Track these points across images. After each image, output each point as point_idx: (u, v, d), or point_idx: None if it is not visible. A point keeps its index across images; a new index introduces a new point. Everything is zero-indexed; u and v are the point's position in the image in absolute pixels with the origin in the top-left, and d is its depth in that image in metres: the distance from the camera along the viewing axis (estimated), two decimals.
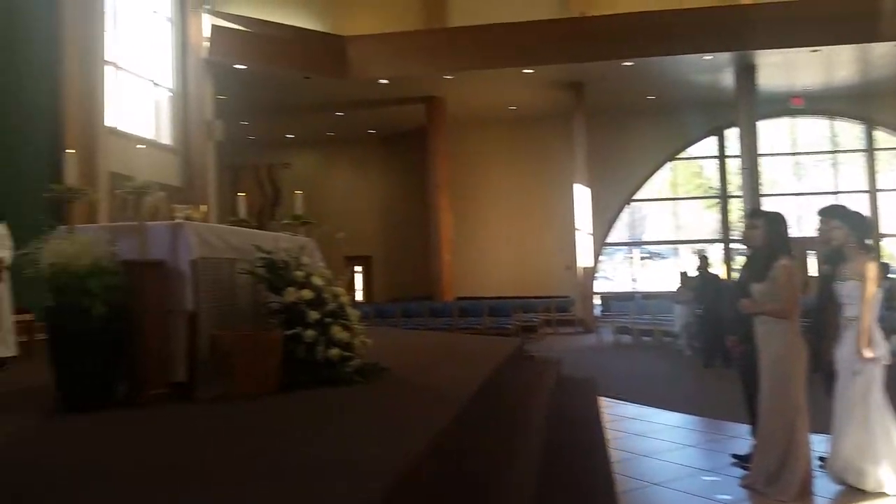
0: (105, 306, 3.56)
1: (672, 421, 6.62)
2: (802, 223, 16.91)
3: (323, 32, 15.86)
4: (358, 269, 21.05)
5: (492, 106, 18.26)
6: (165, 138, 12.88)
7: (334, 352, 4.42)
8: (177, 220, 4.08)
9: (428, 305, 16.29)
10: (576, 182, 17.40)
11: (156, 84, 12.67)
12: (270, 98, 16.22)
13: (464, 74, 15.76)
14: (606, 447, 5.05)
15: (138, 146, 11.69)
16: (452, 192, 17.87)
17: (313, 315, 4.42)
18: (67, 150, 3.82)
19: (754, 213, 5.15)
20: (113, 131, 10.95)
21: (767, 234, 4.40)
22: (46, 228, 3.65)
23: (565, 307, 17.61)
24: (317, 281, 4.60)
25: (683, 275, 12.44)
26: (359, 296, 20.40)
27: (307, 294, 4.46)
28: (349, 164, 21.72)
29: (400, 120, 18.84)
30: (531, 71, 15.53)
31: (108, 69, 10.93)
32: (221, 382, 4.05)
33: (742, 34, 14.40)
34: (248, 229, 4.91)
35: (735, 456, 4.89)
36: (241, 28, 13.98)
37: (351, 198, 20.93)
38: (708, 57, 15.03)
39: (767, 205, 15.93)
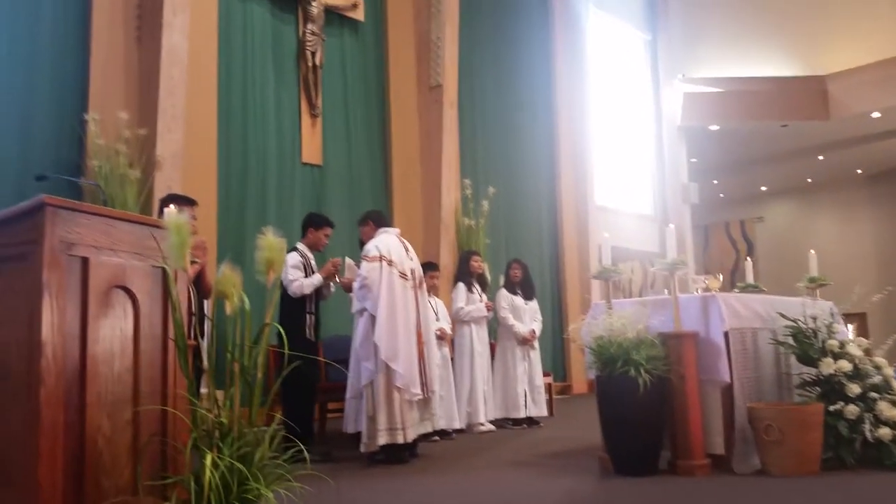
0: (648, 376, 3.83)
1: None
2: None
3: (801, 77, 14.93)
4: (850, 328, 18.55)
5: None
6: (643, 206, 13.52)
7: (883, 431, 3.98)
8: (706, 293, 4.20)
9: None
10: None
11: (634, 157, 13.48)
12: (743, 153, 15.81)
13: None
14: None
15: (621, 217, 12.51)
16: None
17: (853, 388, 4.08)
18: (604, 234, 4.29)
19: None
20: (601, 208, 11.94)
21: None
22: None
23: None
24: (853, 350, 4.24)
25: None
26: None
27: (844, 365, 4.14)
28: (832, 210, 19.61)
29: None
30: None
31: (595, 149, 11.99)
32: (760, 457, 3.95)
33: None
34: (771, 296, 4.79)
35: None
36: (713, 90, 14.06)
37: (837, 247, 18.80)
38: None
39: None
